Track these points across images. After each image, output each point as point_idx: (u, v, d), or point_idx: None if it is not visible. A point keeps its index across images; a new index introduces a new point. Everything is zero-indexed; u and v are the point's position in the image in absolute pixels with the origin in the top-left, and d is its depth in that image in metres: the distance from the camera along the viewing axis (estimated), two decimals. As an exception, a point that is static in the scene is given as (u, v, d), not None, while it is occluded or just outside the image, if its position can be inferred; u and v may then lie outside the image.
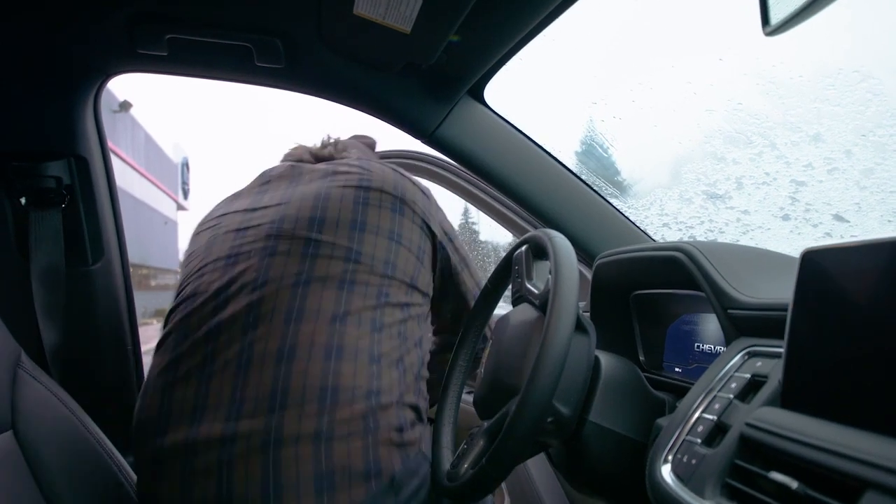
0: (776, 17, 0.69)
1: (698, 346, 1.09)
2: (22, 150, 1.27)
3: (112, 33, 1.14)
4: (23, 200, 1.29)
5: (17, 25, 1.12)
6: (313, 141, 1.28)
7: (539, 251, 0.95)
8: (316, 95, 1.32)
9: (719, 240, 1.43)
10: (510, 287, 1.05)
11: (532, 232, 0.98)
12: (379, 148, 1.92)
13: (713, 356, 1.05)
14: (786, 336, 0.65)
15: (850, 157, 1.11)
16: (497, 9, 0.97)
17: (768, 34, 0.70)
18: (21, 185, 1.27)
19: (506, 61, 1.19)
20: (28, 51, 1.20)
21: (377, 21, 1.00)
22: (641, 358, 1.19)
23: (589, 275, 1.24)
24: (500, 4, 0.95)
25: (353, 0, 0.96)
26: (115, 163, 1.42)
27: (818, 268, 0.64)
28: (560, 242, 0.87)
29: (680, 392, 1.00)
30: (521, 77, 1.28)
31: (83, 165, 1.32)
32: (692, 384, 0.88)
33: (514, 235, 1.69)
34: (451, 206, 1.73)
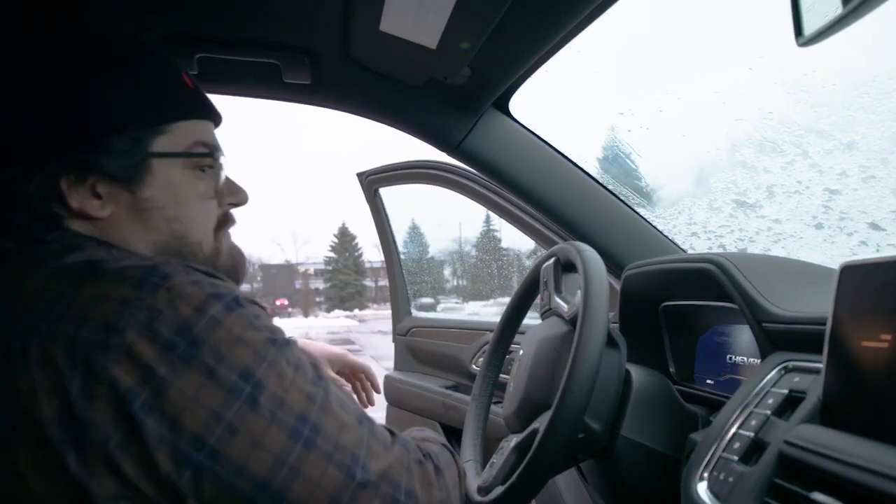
0: (810, 28, 0.68)
1: (731, 358, 1.07)
2: None
3: None
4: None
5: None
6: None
7: (568, 264, 0.95)
8: (342, 110, 1.33)
9: (750, 249, 1.41)
10: (538, 299, 1.05)
11: (560, 245, 0.98)
12: (402, 157, 1.93)
13: (746, 368, 1.03)
14: (825, 352, 0.64)
15: (887, 165, 1.09)
16: (522, 22, 0.97)
17: (802, 45, 0.69)
18: None
19: (531, 73, 1.19)
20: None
21: (402, 37, 1.01)
22: (672, 370, 1.18)
23: (617, 285, 1.23)
24: (525, 18, 0.95)
25: (379, 17, 0.97)
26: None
27: (857, 282, 0.62)
28: (589, 256, 0.87)
29: (712, 405, 0.99)
30: (548, 88, 1.28)
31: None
32: (725, 397, 0.87)
33: (539, 245, 1.69)
34: (474, 215, 1.74)
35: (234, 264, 0.79)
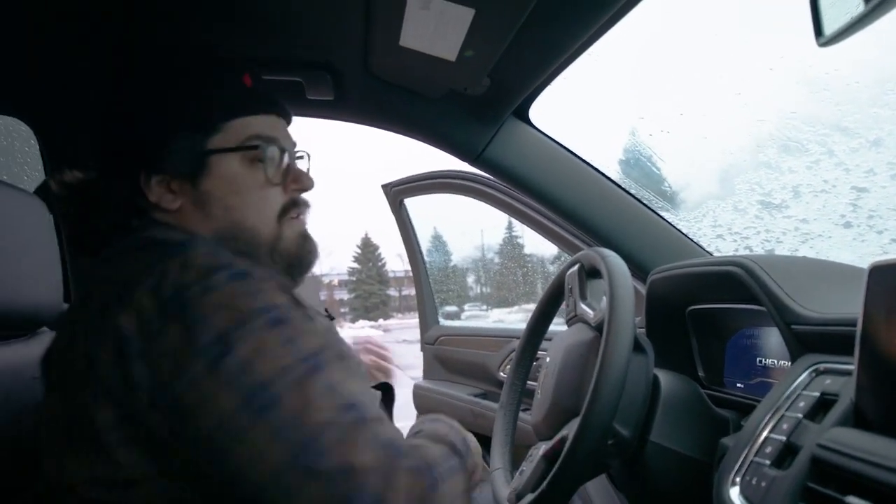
0: (830, 27, 0.67)
1: (760, 361, 1.06)
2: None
3: None
4: (95, 237, 1.36)
5: (87, 75, 1.20)
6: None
7: (592, 270, 0.95)
8: (364, 124, 1.36)
9: (777, 249, 1.39)
10: (564, 306, 1.05)
11: (584, 251, 0.98)
12: (425, 168, 1.95)
13: (777, 371, 1.02)
14: (856, 353, 0.63)
15: (917, 162, 1.07)
16: (540, 32, 0.98)
17: (822, 45, 0.68)
18: None
19: (550, 81, 1.20)
20: (95, 96, 1.28)
21: (422, 51, 1.03)
22: (701, 374, 1.17)
23: (643, 290, 1.23)
24: (542, 28, 0.96)
25: (398, 33, 0.99)
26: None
27: (887, 282, 0.62)
28: (614, 262, 0.87)
29: (742, 409, 0.97)
30: (567, 95, 1.28)
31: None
32: (755, 400, 0.86)
33: (563, 251, 1.69)
34: (496, 221, 1.75)
35: (298, 251, 0.85)
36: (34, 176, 1.49)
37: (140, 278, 0.65)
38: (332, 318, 1.02)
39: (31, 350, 0.94)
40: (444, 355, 2.16)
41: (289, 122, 0.89)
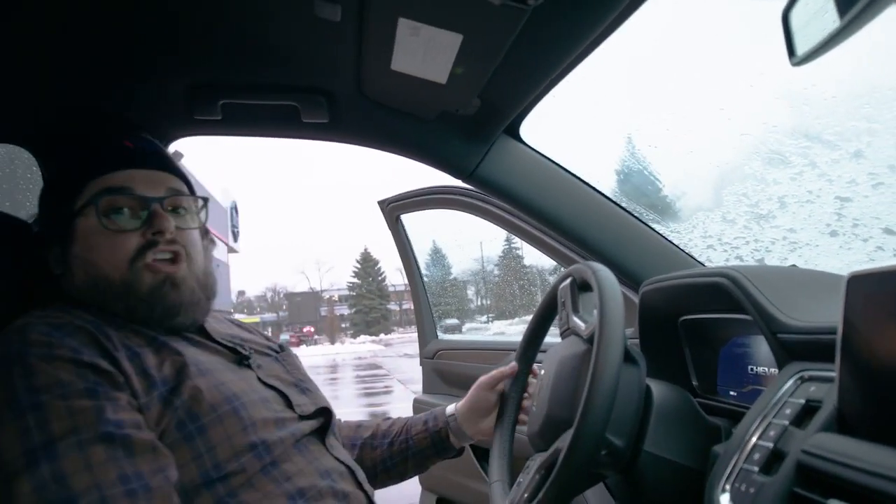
0: (802, 47, 0.71)
1: (752, 369, 1.08)
2: None
3: (172, 102, 1.23)
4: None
5: (87, 100, 1.23)
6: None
7: (583, 284, 0.97)
8: (359, 145, 1.38)
9: (767, 258, 1.42)
10: (557, 319, 1.07)
11: (575, 265, 1.00)
12: (424, 180, 1.98)
13: (768, 379, 1.04)
14: (837, 361, 0.65)
15: (895, 172, 1.10)
16: (528, 54, 1.01)
17: (795, 64, 0.71)
18: None
19: (539, 100, 1.23)
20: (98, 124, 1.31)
21: (413, 75, 1.06)
22: (695, 383, 1.19)
23: (636, 301, 1.25)
24: (530, 50, 0.99)
25: (389, 58, 1.02)
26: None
27: (865, 291, 0.64)
28: (604, 275, 0.89)
29: (736, 417, 0.99)
30: (557, 112, 1.31)
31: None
32: (748, 408, 0.88)
33: (559, 263, 1.71)
34: (494, 234, 1.77)
35: (153, 294, 0.86)
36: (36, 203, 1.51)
37: None
38: (280, 349, 1.07)
39: None
40: (444, 369, 2.18)
41: (159, 170, 0.93)
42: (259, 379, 0.93)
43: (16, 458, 0.65)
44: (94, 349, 0.74)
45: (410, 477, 1.20)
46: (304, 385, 1.02)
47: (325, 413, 0.99)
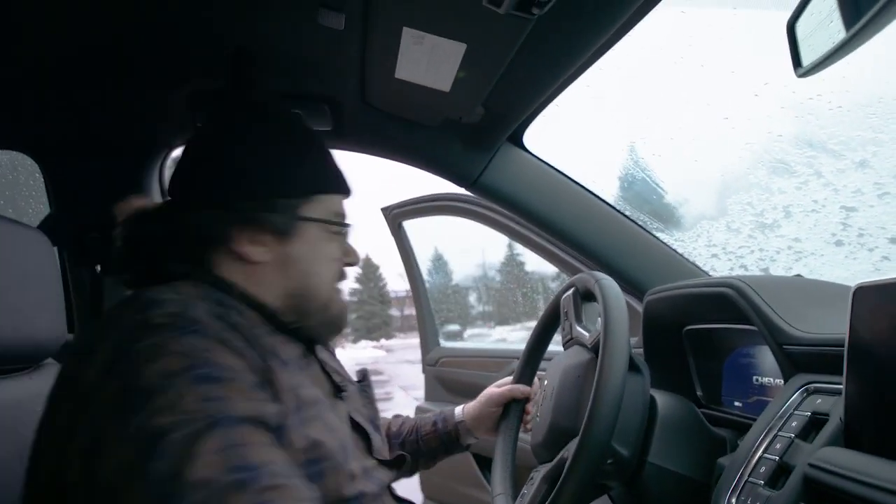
0: (807, 59, 0.70)
1: (757, 380, 1.07)
2: (96, 222, 1.37)
3: (176, 110, 1.23)
4: (98, 268, 1.39)
5: (91, 108, 1.24)
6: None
7: (587, 294, 0.97)
8: (362, 152, 1.38)
9: (771, 268, 1.41)
10: (560, 329, 1.06)
11: (579, 275, 1.00)
12: (427, 187, 1.98)
13: (773, 390, 1.03)
14: (844, 374, 0.65)
15: (901, 182, 1.10)
16: (532, 62, 1.01)
17: (801, 76, 0.71)
18: (96, 254, 1.37)
19: (543, 108, 1.23)
20: (101, 130, 1.32)
21: (417, 83, 1.06)
22: (699, 393, 1.18)
23: (640, 310, 1.24)
24: (534, 58, 0.99)
25: (394, 66, 1.02)
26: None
27: (872, 303, 0.64)
28: (607, 285, 0.88)
29: (741, 428, 0.99)
30: (560, 120, 1.31)
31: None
32: (752, 419, 0.88)
33: (561, 271, 1.70)
34: (497, 239, 1.77)
35: (339, 316, 0.90)
36: (39, 209, 1.51)
37: (109, 332, 0.67)
38: (363, 379, 1.00)
39: (35, 383, 0.96)
40: (446, 377, 2.17)
41: None
42: (350, 416, 0.88)
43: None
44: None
45: (420, 471, 1.22)
46: (377, 422, 0.97)
47: (401, 461, 0.95)
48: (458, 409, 1.22)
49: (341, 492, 0.76)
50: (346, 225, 0.89)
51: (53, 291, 1.00)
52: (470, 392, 2.02)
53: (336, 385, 0.89)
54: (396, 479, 0.94)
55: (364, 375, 1.01)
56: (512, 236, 1.79)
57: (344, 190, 0.90)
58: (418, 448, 1.17)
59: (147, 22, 0.99)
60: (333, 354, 1.02)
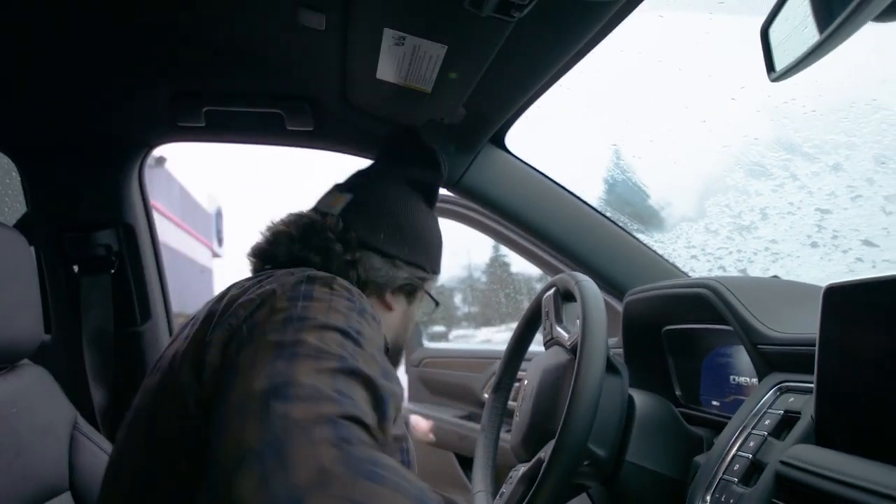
0: (781, 63, 0.71)
1: (734, 380, 1.08)
2: (74, 222, 1.35)
3: (155, 109, 1.22)
4: (75, 268, 1.37)
5: (70, 107, 1.22)
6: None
7: (567, 294, 0.98)
8: (344, 153, 1.38)
9: (749, 269, 1.43)
10: (541, 329, 1.07)
11: (559, 275, 1.00)
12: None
13: (749, 389, 1.05)
14: (815, 372, 0.66)
15: (873, 185, 1.12)
16: (513, 64, 1.01)
17: (774, 80, 0.72)
18: (74, 255, 1.35)
19: (524, 110, 1.23)
20: (79, 130, 1.30)
21: (399, 83, 1.06)
22: (678, 393, 1.19)
23: (620, 311, 1.25)
24: (515, 60, 0.99)
25: (375, 66, 1.01)
26: (154, 217, 1.50)
27: (842, 303, 0.65)
28: (586, 286, 0.89)
29: (718, 427, 1.00)
30: (542, 122, 1.32)
31: (130, 232, 1.40)
32: (730, 418, 0.89)
33: (544, 272, 1.71)
34: (482, 241, 1.77)
35: (400, 358, 1.08)
36: (15, 208, 1.49)
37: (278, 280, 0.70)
38: None
39: (11, 384, 0.95)
40: (429, 377, 2.17)
41: None
42: None
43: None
44: None
45: None
46: None
47: None
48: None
49: None
50: (438, 304, 1.06)
51: (30, 291, 0.99)
52: (452, 393, 2.03)
53: None
54: None
55: None
56: (495, 237, 1.79)
57: (439, 271, 1.05)
58: None
59: (126, 21, 0.98)
60: None
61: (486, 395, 1.84)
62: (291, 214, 0.94)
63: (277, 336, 0.60)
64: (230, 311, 0.67)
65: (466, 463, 1.85)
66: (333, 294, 0.68)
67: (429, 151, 1.09)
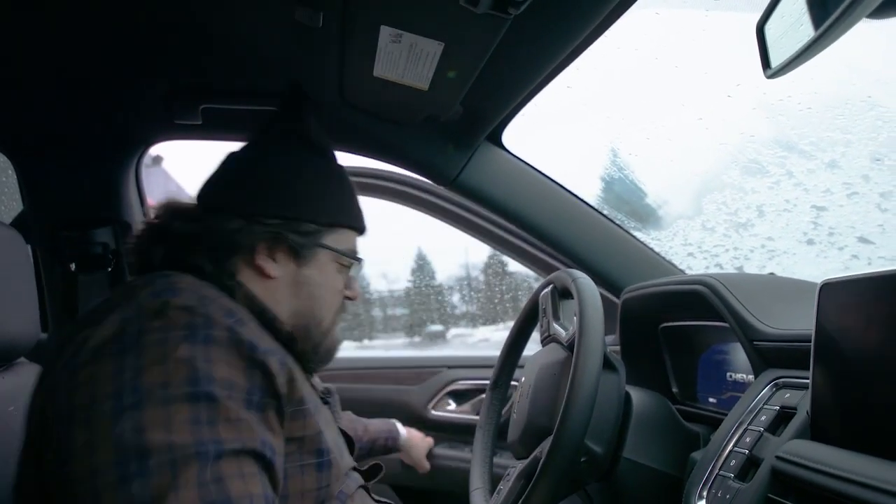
0: (776, 60, 0.72)
1: (731, 376, 1.09)
2: (71, 220, 1.35)
3: (152, 107, 1.22)
4: (72, 266, 1.37)
5: (66, 105, 1.22)
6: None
7: (564, 291, 0.98)
8: (341, 150, 1.37)
9: (746, 266, 1.43)
10: (538, 327, 1.07)
11: (556, 272, 1.00)
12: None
13: (746, 385, 1.05)
14: (811, 368, 0.66)
15: (868, 182, 1.12)
16: (510, 61, 1.01)
17: (769, 77, 0.72)
18: (71, 253, 1.35)
19: (522, 107, 1.23)
20: (76, 127, 1.30)
21: (396, 81, 1.06)
22: (675, 390, 1.19)
23: (617, 308, 1.25)
24: (512, 57, 0.99)
25: (372, 64, 1.01)
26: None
27: (837, 299, 0.65)
28: (584, 283, 0.89)
29: (715, 423, 1.00)
30: (539, 119, 1.32)
31: (127, 230, 1.39)
32: (726, 414, 0.89)
33: (536, 272, 1.71)
34: (475, 242, 1.75)
35: (330, 349, 0.93)
36: (12, 206, 1.49)
37: (121, 304, 0.67)
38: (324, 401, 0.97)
39: (7, 382, 0.94)
40: (347, 396, 1.57)
41: None
42: (335, 420, 0.93)
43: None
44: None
45: None
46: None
47: (377, 470, 1.04)
48: (403, 433, 1.46)
49: (333, 487, 0.79)
50: (359, 259, 0.93)
51: (27, 290, 0.99)
52: (385, 412, 1.57)
53: (321, 392, 0.94)
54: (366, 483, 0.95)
55: (328, 391, 1.01)
56: (484, 238, 1.73)
57: (360, 227, 0.95)
58: (370, 452, 1.38)
59: (122, 18, 0.98)
60: None
61: (433, 413, 1.69)
62: None
63: (117, 430, 0.59)
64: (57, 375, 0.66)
65: (408, 494, 1.59)
66: (168, 332, 0.65)
67: (292, 96, 0.97)
